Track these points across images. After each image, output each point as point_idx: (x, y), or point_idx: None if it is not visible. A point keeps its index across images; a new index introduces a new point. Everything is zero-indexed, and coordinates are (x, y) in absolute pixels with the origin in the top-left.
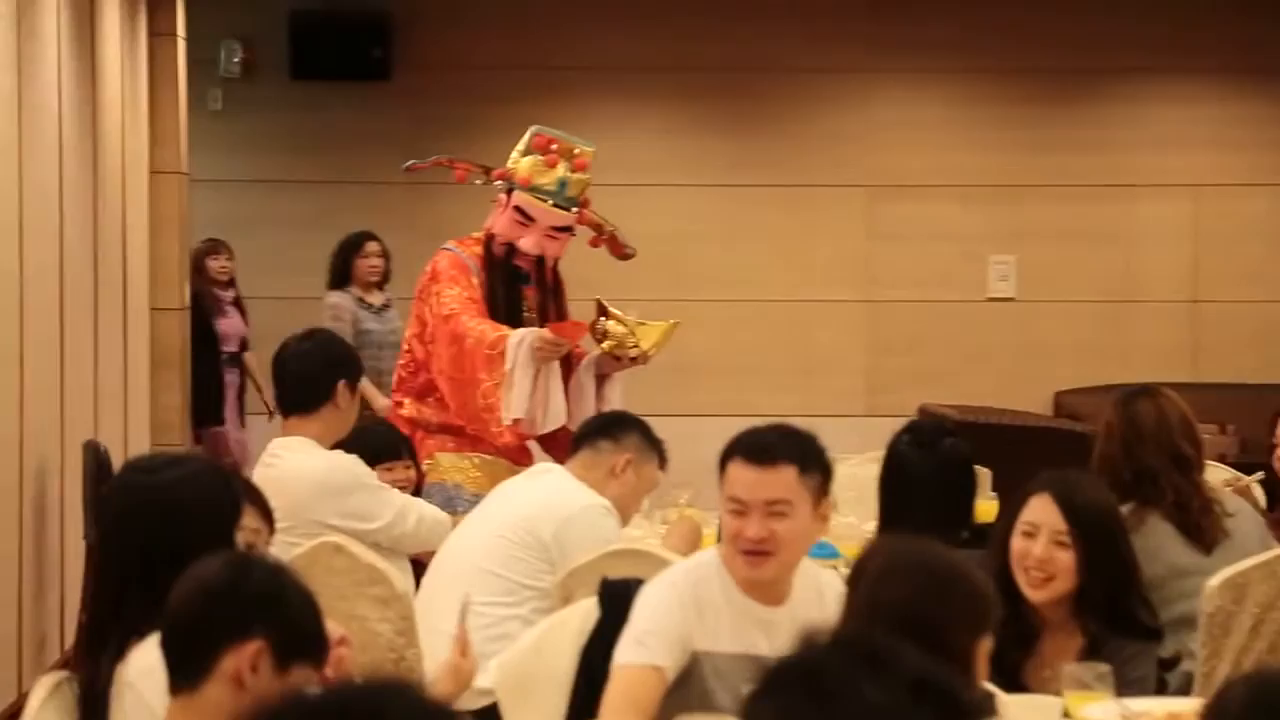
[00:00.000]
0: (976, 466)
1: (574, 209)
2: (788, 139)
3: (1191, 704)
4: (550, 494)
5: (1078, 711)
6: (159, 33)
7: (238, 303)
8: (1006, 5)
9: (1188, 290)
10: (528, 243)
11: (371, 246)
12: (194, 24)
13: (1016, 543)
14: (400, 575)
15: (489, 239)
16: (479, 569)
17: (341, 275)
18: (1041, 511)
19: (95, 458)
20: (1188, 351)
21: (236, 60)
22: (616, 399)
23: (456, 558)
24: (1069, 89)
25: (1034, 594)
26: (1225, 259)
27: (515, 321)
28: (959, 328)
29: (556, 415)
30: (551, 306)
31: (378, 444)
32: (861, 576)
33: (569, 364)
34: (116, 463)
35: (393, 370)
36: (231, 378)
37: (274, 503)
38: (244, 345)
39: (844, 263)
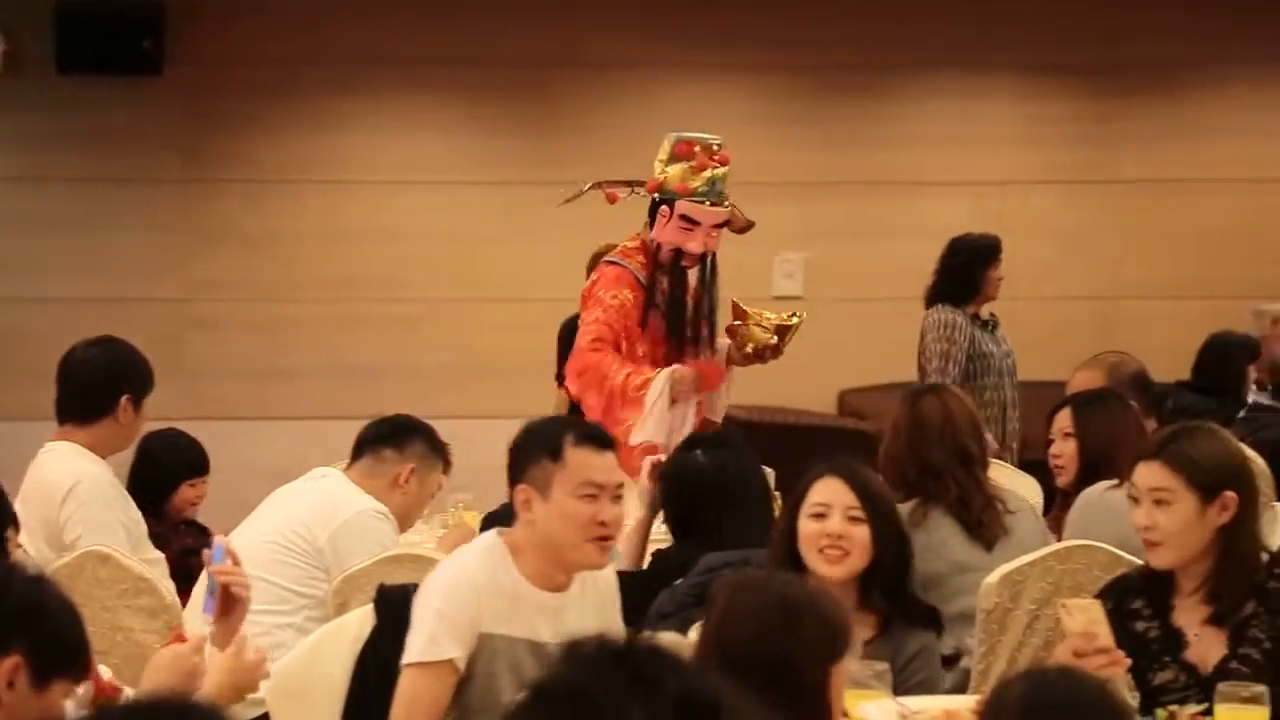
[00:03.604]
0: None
1: (727, 202)
2: (577, 135)
3: (968, 701)
4: (325, 498)
5: (855, 710)
6: None
7: None
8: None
9: None
10: (694, 244)
11: (1001, 256)
12: None
13: (808, 526)
14: (170, 586)
15: (656, 248)
16: (250, 576)
17: (962, 287)
18: (830, 491)
19: None
20: None
21: None
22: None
23: None
24: (859, 85)
25: (831, 570)
26: (1015, 256)
27: (681, 313)
28: None
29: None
30: (706, 296)
31: (188, 457)
32: (712, 609)
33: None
34: None
35: (1015, 402)
36: None
37: (30, 506)
38: None
39: None
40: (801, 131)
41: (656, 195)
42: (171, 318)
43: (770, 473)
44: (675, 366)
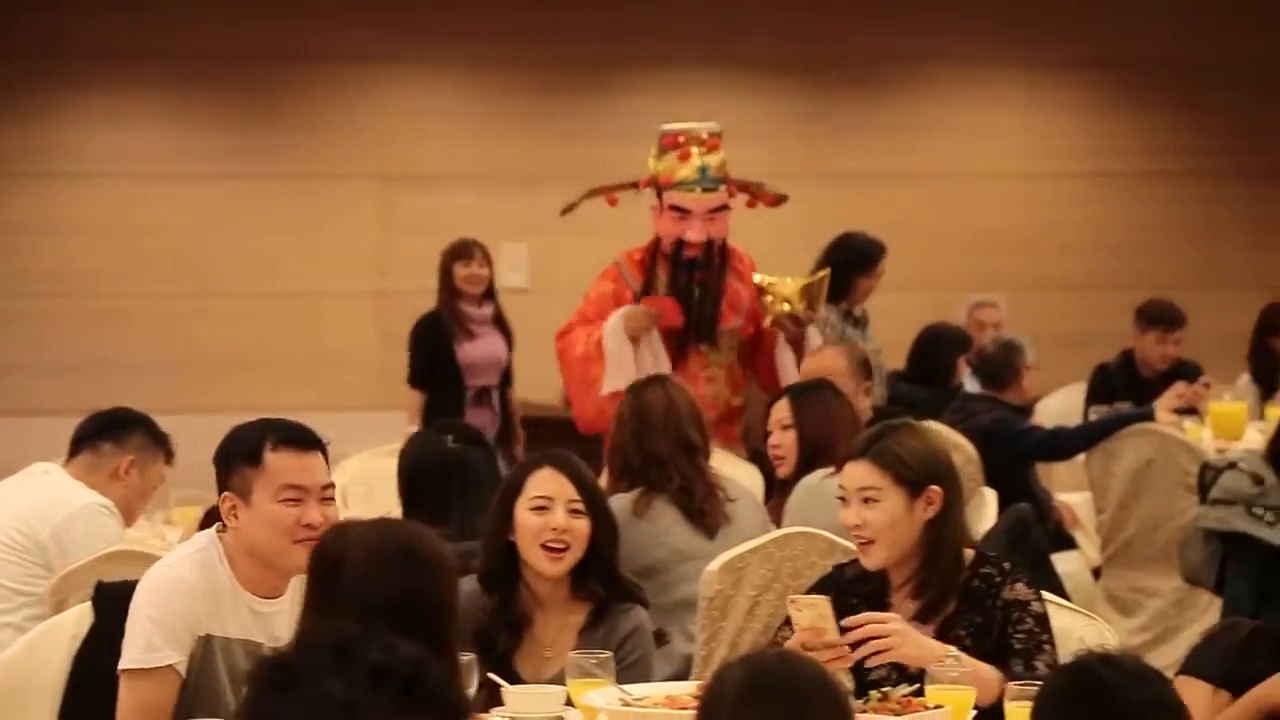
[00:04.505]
0: None
1: (722, 187)
2: (297, 129)
3: (689, 687)
4: (47, 494)
5: (580, 698)
6: None
7: (499, 321)
8: None
9: None
10: (693, 233)
11: (882, 265)
12: None
13: (530, 519)
14: None
15: (656, 241)
16: None
17: (835, 285)
18: (551, 484)
19: None
20: None
21: None
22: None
23: None
24: (583, 80)
25: (554, 568)
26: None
27: (687, 302)
28: None
29: None
30: (725, 281)
31: None
32: (340, 565)
33: (763, 343)
34: None
35: (883, 398)
36: (481, 420)
37: None
38: (506, 378)
39: (355, 254)
40: (527, 125)
41: (649, 190)
42: None
43: None
44: (625, 306)
